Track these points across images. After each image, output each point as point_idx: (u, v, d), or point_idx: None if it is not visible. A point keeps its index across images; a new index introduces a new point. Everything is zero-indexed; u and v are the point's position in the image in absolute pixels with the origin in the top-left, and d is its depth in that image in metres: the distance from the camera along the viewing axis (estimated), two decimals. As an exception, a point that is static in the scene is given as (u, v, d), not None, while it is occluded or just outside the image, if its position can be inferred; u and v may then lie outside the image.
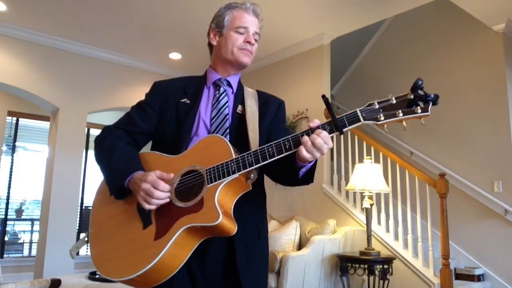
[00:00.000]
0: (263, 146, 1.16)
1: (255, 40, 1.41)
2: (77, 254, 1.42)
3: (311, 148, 1.10)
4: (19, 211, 6.28)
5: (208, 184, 1.17)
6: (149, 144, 1.47)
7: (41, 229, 4.90)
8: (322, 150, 1.11)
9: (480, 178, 4.29)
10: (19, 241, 6.35)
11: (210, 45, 1.47)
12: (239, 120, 1.37)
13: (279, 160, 1.19)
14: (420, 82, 1.08)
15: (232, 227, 1.16)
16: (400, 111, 1.08)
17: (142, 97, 1.46)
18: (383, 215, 3.92)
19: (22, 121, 6.26)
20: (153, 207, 1.19)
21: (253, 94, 1.48)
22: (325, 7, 4.12)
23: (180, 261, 1.17)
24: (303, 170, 1.24)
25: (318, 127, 1.13)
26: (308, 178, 1.28)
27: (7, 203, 6.05)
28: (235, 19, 1.39)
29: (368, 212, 3.66)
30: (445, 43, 4.85)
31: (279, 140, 1.15)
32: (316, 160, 1.22)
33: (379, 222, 3.98)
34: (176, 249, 1.15)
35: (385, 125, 1.11)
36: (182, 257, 1.17)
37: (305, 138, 1.11)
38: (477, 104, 4.43)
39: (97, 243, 1.27)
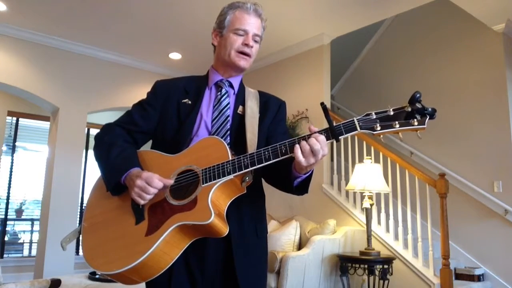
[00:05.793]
0: (260, 149, 1.17)
1: (256, 41, 1.40)
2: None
3: (308, 151, 1.11)
4: (19, 211, 6.28)
5: (203, 183, 1.18)
6: (149, 142, 1.47)
7: (41, 229, 4.90)
8: (317, 155, 1.11)
9: (480, 178, 4.30)
10: (19, 241, 6.34)
11: (213, 44, 1.47)
12: (240, 122, 1.37)
13: (276, 166, 1.20)
14: (418, 95, 1.09)
15: (223, 228, 1.16)
16: (396, 122, 1.10)
17: (142, 97, 1.46)
18: (383, 215, 3.92)
19: (22, 121, 6.26)
20: (143, 202, 1.21)
21: (254, 94, 1.47)
22: (325, 7, 4.12)
23: (170, 259, 1.17)
24: (298, 180, 1.25)
25: (315, 133, 1.14)
26: (303, 189, 1.29)
27: (7, 203, 6.05)
28: (235, 20, 1.37)
29: (368, 212, 3.66)
30: (445, 43, 4.85)
31: (275, 144, 1.16)
32: (312, 172, 1.23)
33: (379, 222, 3.98)
34: (166, 246, 1.15)
35: (381, 135, 1.13)
36: (172, 256, 1.17)
37: (303, 142, 1.12)
38: (477, 104, 4.43)
39: (90, 236, 1.28)
